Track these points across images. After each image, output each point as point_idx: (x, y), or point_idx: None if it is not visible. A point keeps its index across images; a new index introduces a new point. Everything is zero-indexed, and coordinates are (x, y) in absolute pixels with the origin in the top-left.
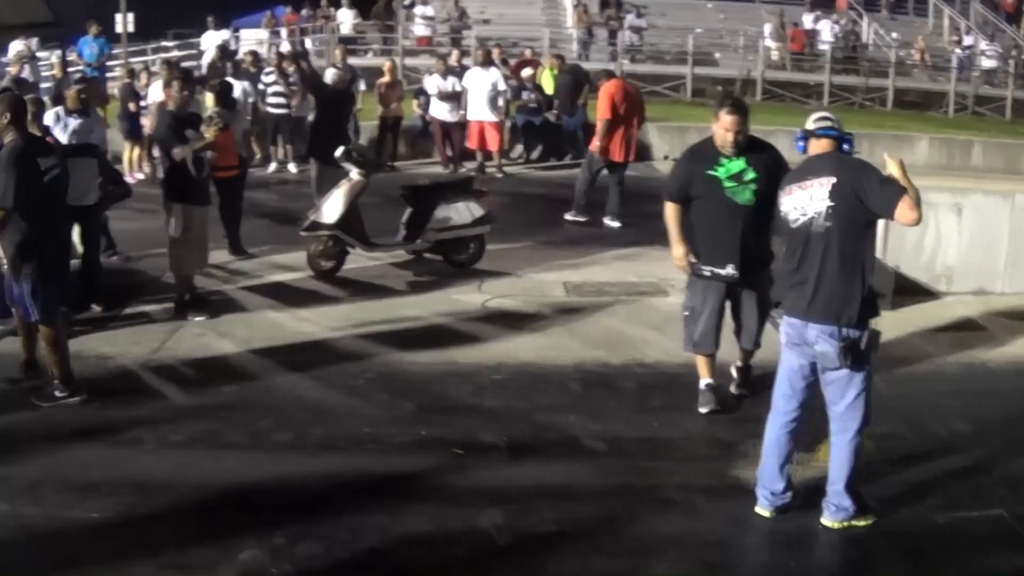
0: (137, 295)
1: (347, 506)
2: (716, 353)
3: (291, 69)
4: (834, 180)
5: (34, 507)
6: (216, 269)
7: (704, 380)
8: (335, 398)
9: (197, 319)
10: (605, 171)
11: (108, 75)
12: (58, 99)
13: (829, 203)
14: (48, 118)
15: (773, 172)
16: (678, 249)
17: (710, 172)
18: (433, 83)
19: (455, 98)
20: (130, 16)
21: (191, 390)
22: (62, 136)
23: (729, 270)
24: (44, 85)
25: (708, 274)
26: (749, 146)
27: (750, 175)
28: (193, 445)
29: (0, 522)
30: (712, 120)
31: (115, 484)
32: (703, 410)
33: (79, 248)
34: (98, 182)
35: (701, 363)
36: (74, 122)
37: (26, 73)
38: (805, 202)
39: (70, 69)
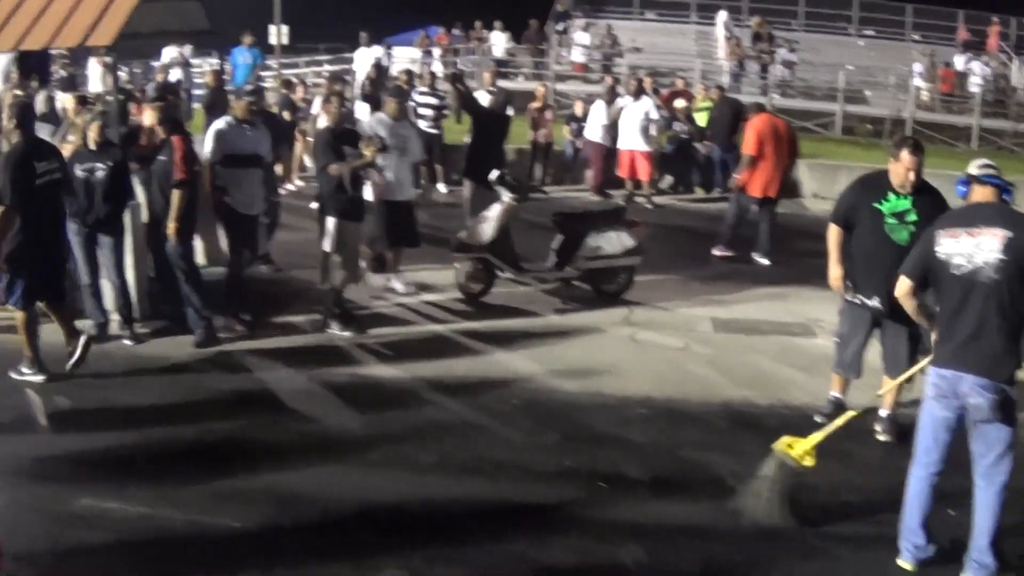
0: (287, 306)
1: (488, 532)
2: (855, 378)
3: (447, 89)
4: (1009, 234)
5: (174, 511)
6: (366, 285)
7: (833, 393)
8: (480, 421)
9: (343, 334)
10: (755, 207)
11: (261, 85)
12: (211, 107)
13: (1000, 256)
14: (219, 127)
15: (933, 217)
16: (834, 271)
17: (875, 205)
18: (600, 108)
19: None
20: (285, 28)
21: (336, 406)
22: (234, 147)
23: (875, 302)
24: (196, 92)
25: (858, 303)
26: (918, 187)
27: (912, 216)
28: (338, 461)
29: (139, 524)
30: (889, 159)
31: (257, 494)
32: (818, 419)
33: (227, 255)
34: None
35: (836, 380)
36: (244, 132)
37: (178, 78)
38: (972, 250)
39: (226, 76)
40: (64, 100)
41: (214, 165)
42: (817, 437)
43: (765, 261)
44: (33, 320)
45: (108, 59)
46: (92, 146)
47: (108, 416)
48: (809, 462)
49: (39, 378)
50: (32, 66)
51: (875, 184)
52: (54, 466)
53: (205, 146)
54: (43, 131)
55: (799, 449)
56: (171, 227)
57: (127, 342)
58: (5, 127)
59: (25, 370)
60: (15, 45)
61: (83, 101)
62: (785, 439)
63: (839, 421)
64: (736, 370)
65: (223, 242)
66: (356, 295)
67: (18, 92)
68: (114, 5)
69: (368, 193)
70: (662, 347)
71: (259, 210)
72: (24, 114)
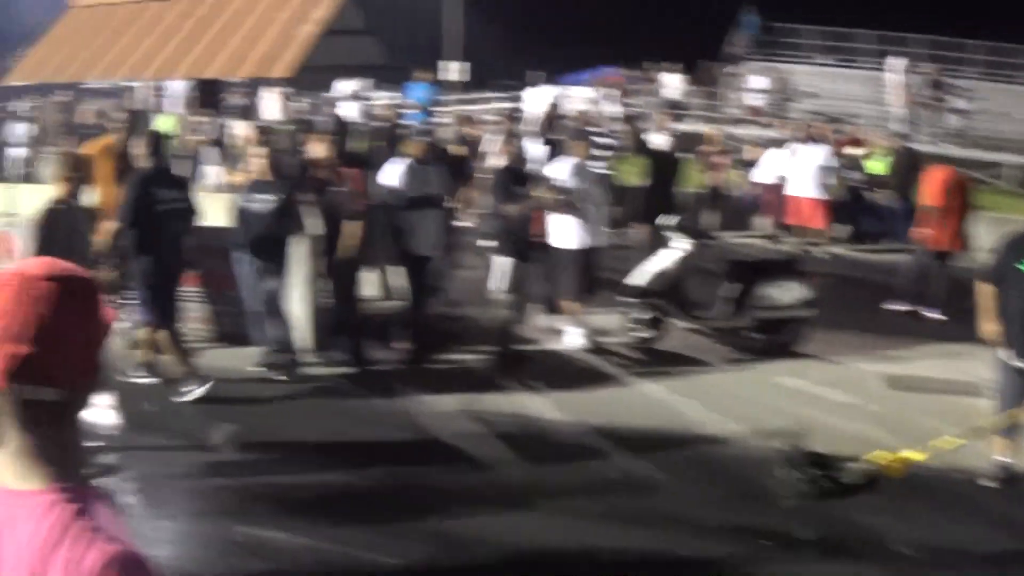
0: (455, 344)
1: None
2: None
3: (620, 130)
4: None
5: (334, 545)
6: (535, 327)
7: (998, 456)
8: (647, 472)
9: (509, 375)
10: (932, 260)
11: (435, 120)
12: (389, 143)
13: None
14: (397, 168)
15: None
16: (987, 325)
17: (1016, 265)
18: (774, 154)
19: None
20: (460, 64)
21: (500, 449)
22: (411, 187)
23: (1018, 363)
24: (374, 125)
25: (1005, 360)
26: None
27: None
28: (502, 505)
29: (299, 555)
30: None
31: (419, 534)
32: (985, 483)
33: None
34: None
35: (1000, 442)
36: (421, 173)
37: (354, 113)
38: None
39: (402, 111)
40: (239, 129)
41: (392, 207)
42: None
43: (940, 316)
44: (176, 335)
45: (284, 90)
46: (264, 177)
47: (269, 446)
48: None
49: (204, 388)
50: (209, 94)
51: (1019, 242)
52: (214, 493)
53: (383, 187)
54: (211, 156)
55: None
56: (341, 258)
57: (289, 374)
58: (136, 154)
59: (187, 388)
60: (194, 74)
61: (261, 131)
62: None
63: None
64: (905, 429)
65: (397, 276)
66: (524, 335)
67: (201, 119)
68: (293, 38)
69: (557, 238)
70: (831, 402)
71: (437, 251)
72: (155, 143)
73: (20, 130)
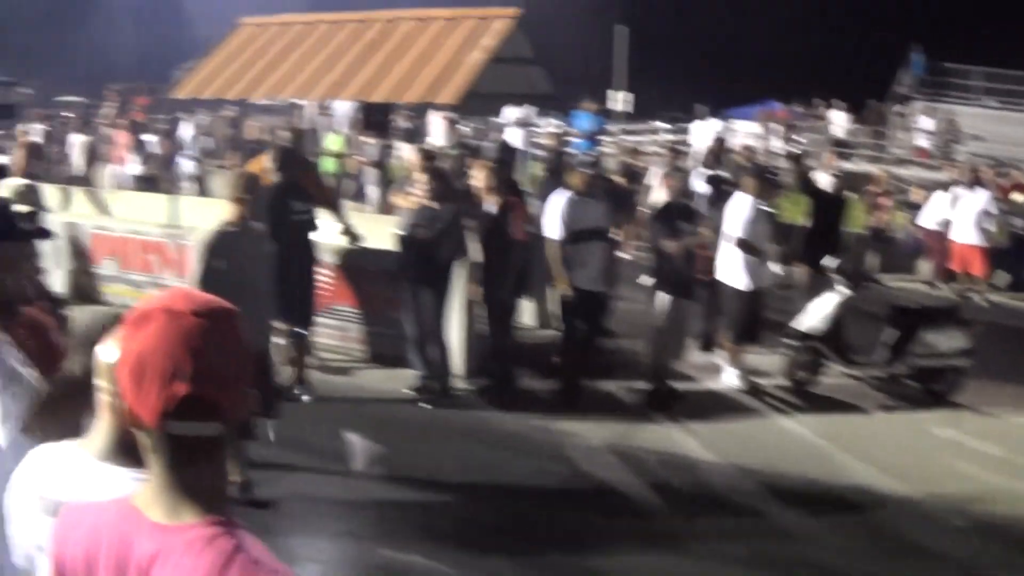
0: (609, 376)
1: None
2: None
3: (785, 168)
4: None
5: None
6: (692, 364)
7: None
8: (798, 520)
9: (662, 412)
10: None
11: (600, 151)
12: (554, 171)
13: None
14: (561, 202)
15: None
16: None
17: None
18: (940, 197)
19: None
20: (626, 95)
21: (649, 487)
22: (575, 222)
23: None
24: (539, 153)
25: None
26: None
27: None
28: (647, 544)
29: None
30: None
31: (563, 569)
32: None
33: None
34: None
35: None
36: (585, 205)
37: (519, 140)
38: None
39: (567, 140)
40: (405, 152)
41: (559, 242)
42: None
43: None
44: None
45: (450, 115)
46: (428, 202)
47: (416, 470)
48: None
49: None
50: (374, 116)
51: None
52: (358, 514)
53: (548, 222)
54: (373, 177)
55: None
56: (499, 291)
57: (442, 399)
58: (265, 168)
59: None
60: (361, 96)
61: (428, 156)
62: None
63: None
64: None
65: (554, 305)
66: (680, 372)
67: (366, 140)
68: (461, 65)
69: (724, 275)
70: (985, 455)
71: (602, 286)
72: (284, 158)
73: (190, 142)
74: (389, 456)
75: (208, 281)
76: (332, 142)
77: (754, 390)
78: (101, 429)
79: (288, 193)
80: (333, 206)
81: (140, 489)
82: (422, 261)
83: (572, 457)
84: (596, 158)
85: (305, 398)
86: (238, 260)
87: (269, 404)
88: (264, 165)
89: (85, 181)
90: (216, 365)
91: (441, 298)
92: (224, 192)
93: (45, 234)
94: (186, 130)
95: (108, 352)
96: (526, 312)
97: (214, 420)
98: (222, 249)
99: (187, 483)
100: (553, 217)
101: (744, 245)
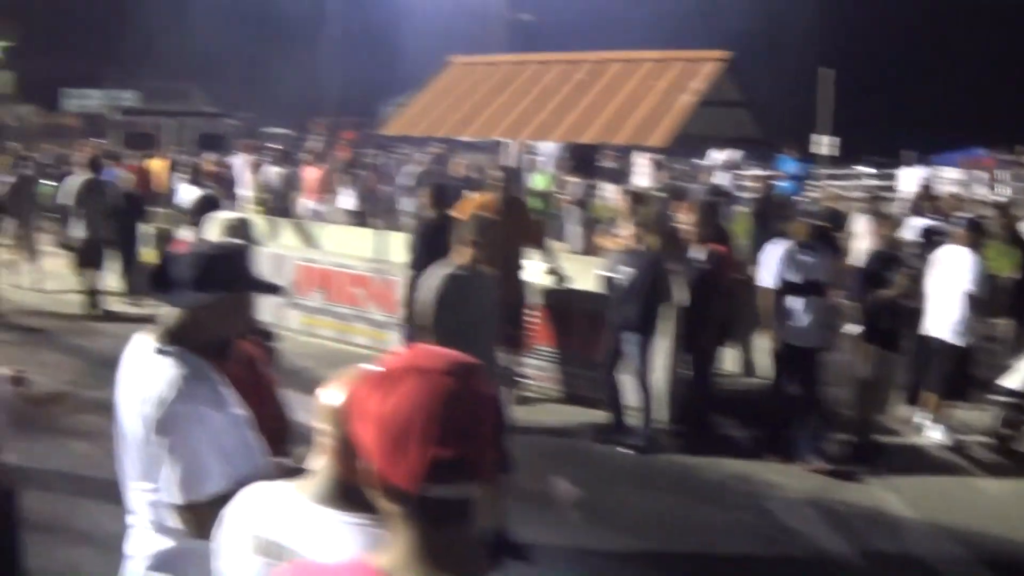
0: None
1: None
2: None
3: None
4: None
5: None
6: (894, 417)
7: None
8: None
9: (864, 466)
10: None
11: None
12: (760, 215)
13: None
14: (778, 251)
15: None
16: None
17: None
18: None
19: None
20: (832, 139)
21: (849, 539)
22: (791, 273)
23: None
24: (745, 196)
25: None
26: None
27: None
28: None
29: None
30: None
31: None
32: None
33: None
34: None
35: None
36: (804, 256)
37: (725, 183)
38: None
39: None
40: (610, 193)
41: (773, 291)
42: None
43: None
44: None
45: (655, 156)
46: (634, 244)
47: (610, 516)
48: None
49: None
50: (581, 156)
51: None
52: (543, 552)
53: (764, 270)
54: (576, 217)
55: None
56: (704, 339)
57: (640, 444)
58: (420, 203)
59: None
60: (569, 137)
61: (635, 198)
62: None
63: None
64: None
65: (759, 353)
66: (883, 425)
67: (572, 179)
68: (670, 107)
69: (934, 328)
70: None
71: (816, 342)
72: (438, 194)
73: (406, 178)
74: (587, 500)
75: (440, 327)
76: (538, 181)
77: (958, 447)
78: (319, 472)
79: (443, 228)
80: (541, 246)
81: (382, 553)
82: (626, 305)
83: (771, 509)
84: (808, 205)
85: None
86: (469, 305)
87: (505, 456)
88: (480, 204)
89: (285, 212)
90: (473, 424)
91: (645, 343)
92: (458, 236)
93: (276, 290)
94: (403, 166)
95: (331, 396)
96: (729, 359)
97: (474, 480)
98: (454, 294)
99: (444, 548)
100: (769, 266)
101: (972, 299)
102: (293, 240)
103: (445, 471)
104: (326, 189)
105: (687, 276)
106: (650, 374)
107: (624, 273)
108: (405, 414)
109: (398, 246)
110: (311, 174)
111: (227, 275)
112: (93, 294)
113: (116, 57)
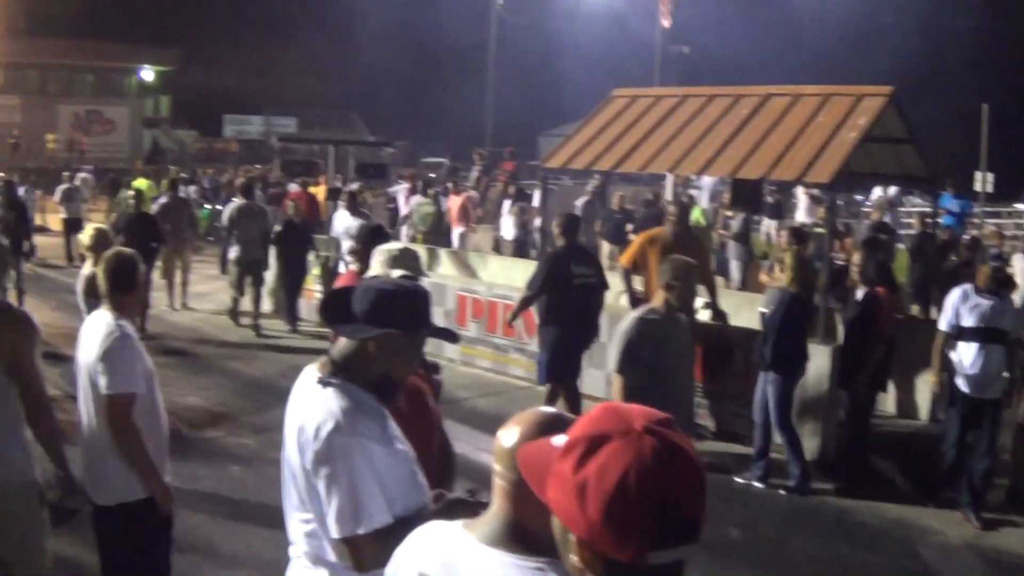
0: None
1: None
2: None
3: None
4: None
5: None
6: None
7: None
8: None
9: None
10: None
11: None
12: (919, 252)
13: None
14: (956, 296)
15: None
16: None
17: None
18: None
19: None
20: (988, 176)
21: None
22: (969, 318)
23: None
24: (904, 232)
25: None
26: None
27: None
28: None
29: None
30: None
31: None
32: None
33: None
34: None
35: None
36: (984, 303)
37: (889, 219)
38: None
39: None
40: (771, 229)
41: (947, 335)
42: None
43: None
44: (554, 396)
45: (816, 192)
46: (790, 282)
47: (766, 557)
48: None
49: None
50: (744, 192)
51: None
52: None
53: (944, 314)
54: (737, 252)
55: None
56: (861, 380)
57: (794, 486)
58: (555, 233)
59: None
60: (733, 172)
61: (796, 235)
62: None
63: None
64: None
65: (920, 395)
66: None
67: (731, 214)
68: (833, 144)
69: None
70: None
71: (993, 393)
72: (568, 226)
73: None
74: (742, 540)
75: (630, 372)
76: (695, 215)
77: None
78: (491, 513)
79: (570, 258)
80: (710, 283)
81: None
82: (778, 342)
83: (929, 555)
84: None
85: None
86: (666, 350)
87: None
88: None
89: (436, 240)
90: (687, 483)
91: (783, 382)
92: (660, 281)
93: (452, 337)
94: (575, 198)
95: (508, 437)
96: (888, 400)
97: (695, 541)
98: (647, 338)
99: None
100: (946, 309)
101: None
102: (453, 270)
103: (668, 538)
104: (468, 217)
105: (846, 315)
106: (793, 413)
107: (777, 311)
108: (617, 483)
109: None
110: (455, 202)
111: (405, 314)
112: (243, 315)
113: (277, 84)
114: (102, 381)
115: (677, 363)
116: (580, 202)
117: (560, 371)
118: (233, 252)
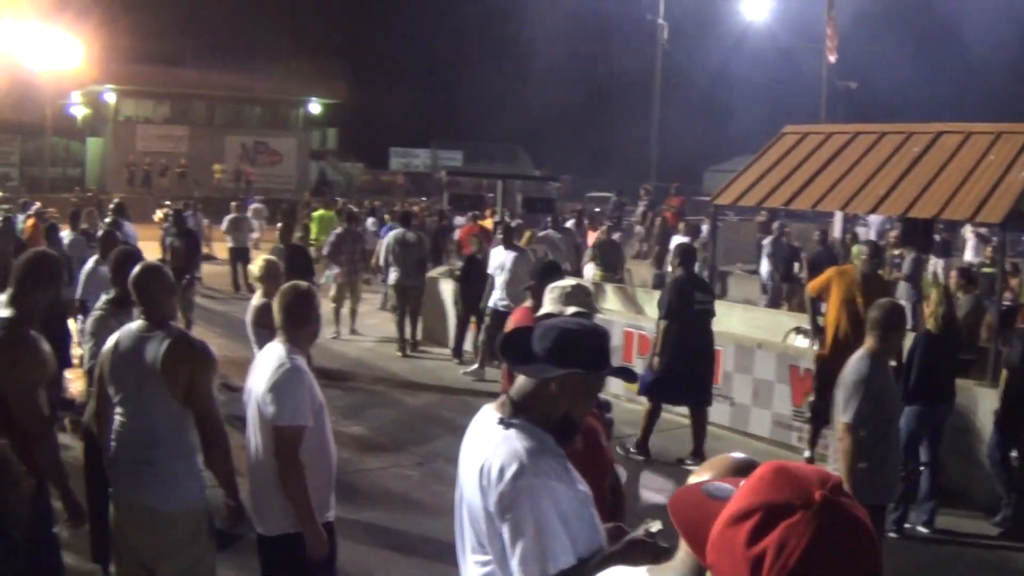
0: None
1: None
2: None
3: None
4: None
5: None
6: None
7: None
8: None
9: None
10: None
11: None
12: None
13: None
14: None
15: None
16: None
17: None
18: None
19: None
20: None
21: None
22: None
23: None
24: None
25: None
26: None
27: None
28: None
29: None
30: None
31: None
32: None
33: None
34: None
35: None
36: None
37: None
38: None
39: None
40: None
41: None
42: None
43: None
44: (655, 413)
45: (983, 230)
46: (941, 324)
47: None
48: None
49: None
50: (915, 231)
51: None
52: None
53: None
54: (903, 292)
55: None
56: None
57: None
58: (673, 263)
59: (631, 448)
60: (904, 211)
61: (966, 275)
62: None
63: None
64: None
65: None
66: None
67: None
68: (1004, 183)
69: None
70: None
71: None
72: (685, 255)
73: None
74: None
75: (862, 420)
76: (855, 252)
77: None
78: (679, 560)
79: (692, 285)
80: None
81: None
82: (925, 386)
83: None
84: None
85: (688, 462)
86: (890, 396)
87: None
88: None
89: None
90: (869, 556)
91: (917, 416)
92: (872, 323)
93: (631, 376)
94: (764, 236)
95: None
96: None
97: None
98: (872, 384)
99: None
100: None
101: None
102: (619, 305)
103: None
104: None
105: (1011, 358)
106: (942, 452)
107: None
108: (798, 562)
109: (730, 316)
110: (591, 238)
111: (587, 353)
112: (407, 343)
113: (443, 117)
114: (271, 412)
115: (897, 413)
116: (767, 240)
117: (663, 390)
118: (392, 277)
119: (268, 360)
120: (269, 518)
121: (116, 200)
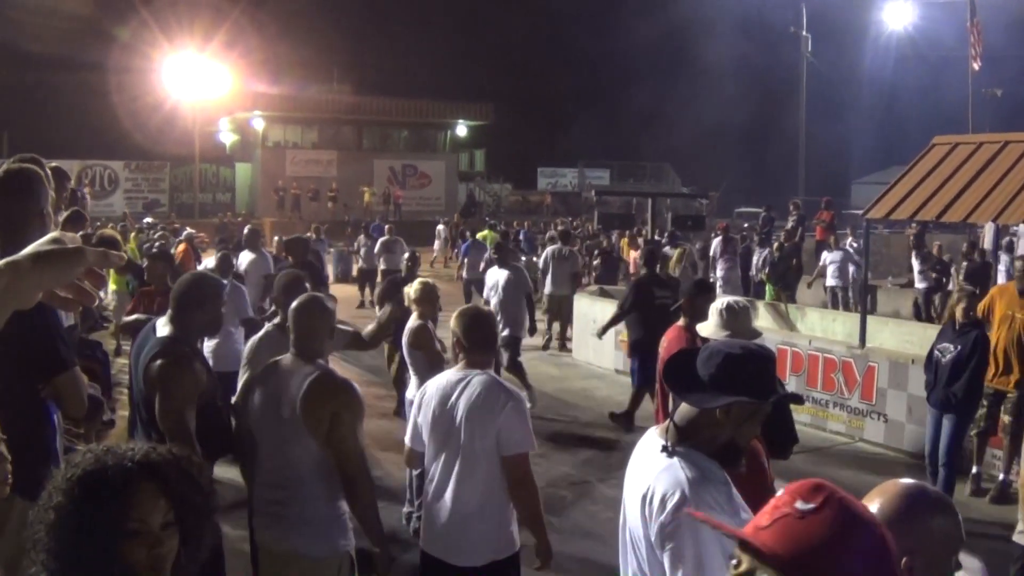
0: None
1: None
2: None
3: None
4: None
5: None
6: None
7: None
8: None
9: None
10: None
11: None
12: None
13: None
14: None
15: None
16: None
17: None
18: None
19: None
20: None
21: None
22: None
23: None
24: None
25: None
26: None
27: None
28: None
29: None
30: None
31: None
32: None
33: None
34: None
35: None
36: None
37: None
38: None
39: None
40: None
41: None
42: None
43: None
44: (640, 398)
45: None
46: (958, 319)
47: None
48: None
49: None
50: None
51: None
52: None
53: None
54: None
55: None
56: None
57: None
58: (673, 265)
59: (615, 412)
60: (994, 217)
61: None
62: None
63: None
64: None
65: None
66: None
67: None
68: None
69: None
70: None
71: None
72: (650, 256)
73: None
74: None
75: None
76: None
77: None
78: None
79: (654, 283)
80: None
81: None
82: (933, 383)
83: None
84: None
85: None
86: None
87: None
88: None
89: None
90: None
91: (958, 424)
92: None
93: (799, 400)
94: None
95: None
96: None
97: None
98: None
99: None
100: None
101: None
102: (770, 322)
103: None
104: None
105: None
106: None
107: (946, 352)
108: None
109: (882, 331)
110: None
111: (755, 380)
112: (558, 340)
113: (590, 136)
114: (503, 439)
115: None
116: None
117: (645, 375)
118: (547, 288)
119: (477, 387)
120: (472, 548)
121: (248, 228)
